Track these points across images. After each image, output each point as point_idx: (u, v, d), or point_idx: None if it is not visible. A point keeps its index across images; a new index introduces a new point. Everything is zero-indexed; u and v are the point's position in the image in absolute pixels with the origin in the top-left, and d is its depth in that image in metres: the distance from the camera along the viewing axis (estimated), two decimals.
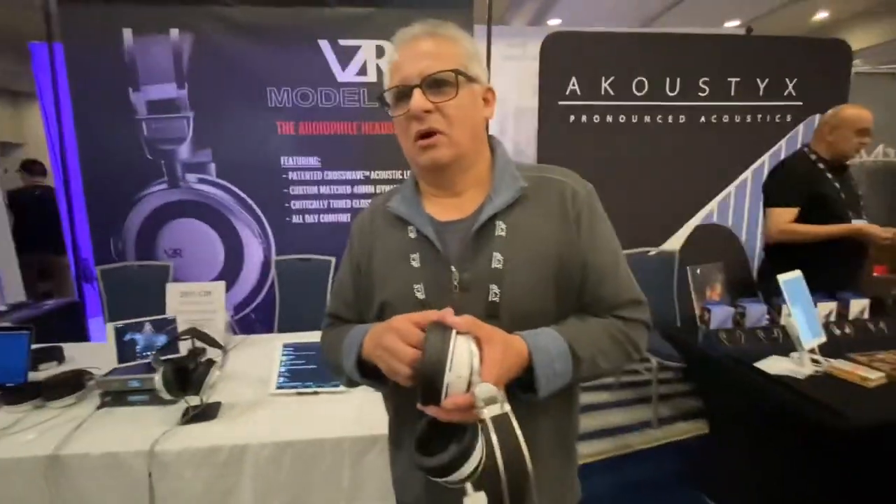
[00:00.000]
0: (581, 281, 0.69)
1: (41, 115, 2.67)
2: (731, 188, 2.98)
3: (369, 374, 0.68)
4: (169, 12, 2.40)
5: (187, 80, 2.47)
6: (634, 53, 2.75)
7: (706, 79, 2.83)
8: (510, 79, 2.95)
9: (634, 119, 2.81)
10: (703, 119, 2.87)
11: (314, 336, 1.76)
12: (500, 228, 0.67)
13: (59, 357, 1.58)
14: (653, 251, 2.71)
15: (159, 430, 1.13)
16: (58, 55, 2.47)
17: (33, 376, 1.43)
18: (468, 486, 0.54)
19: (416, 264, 0.69)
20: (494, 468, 0.49)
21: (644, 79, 2.78)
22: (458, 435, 0.55)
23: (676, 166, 2.88)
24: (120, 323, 1.36)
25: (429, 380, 0.54)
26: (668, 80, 2.80)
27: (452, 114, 0.66)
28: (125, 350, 1.35)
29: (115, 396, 1.25)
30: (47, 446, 1.08)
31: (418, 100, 0.65)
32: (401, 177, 2.63)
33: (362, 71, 2.52)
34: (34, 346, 1.57)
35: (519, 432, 0.50)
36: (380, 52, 2.51)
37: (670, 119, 2.85)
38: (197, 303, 1.62)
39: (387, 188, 2.64)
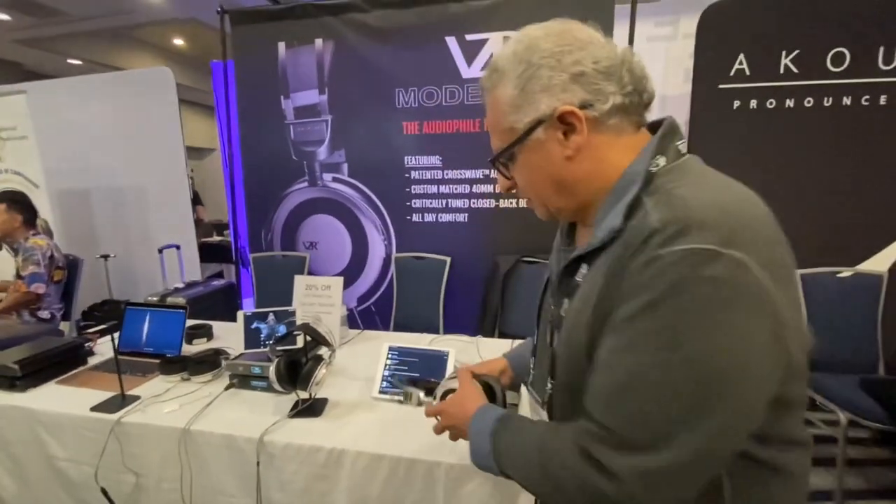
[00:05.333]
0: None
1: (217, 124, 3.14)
2: None
3: None
4: (314, 24, 2.60)
5: (327, 85, 2.66)
6: (831, 18, 2.16)
7: None
8: (656, 63, 2.57)
9: (827, 102, 2.20)
10: None
11: (419, 340, 1.72)
12: (581, 273, 0.56)
13: (208, 334, 1.80)
14: (846, 272, 2.10)
15: (270, 419, 1.17)
16: (230, 71, 2.86)
17: (188, 349, 1.64)
18: None
19: (548, 277, 0.71)
20: None
21: (844, 50, 2.16)
22: None
23: (887, 162, 2.19)
24: (249, 311, 1.47)
25: None
26: (882, 49, 2.14)
27: (523, 186, 0.62)
28: (251, 337, 1.46)
29: (241, 379, 1.35)
30: (183, 419, 1.19)
31: (500, 182, 0.66)
32: None
33: (487, 65, 2.42)
34: (192, 322, 1.81)
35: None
36: None
37: (883, 100, 2.17)
38: (318, 295, 1.69)
39: None
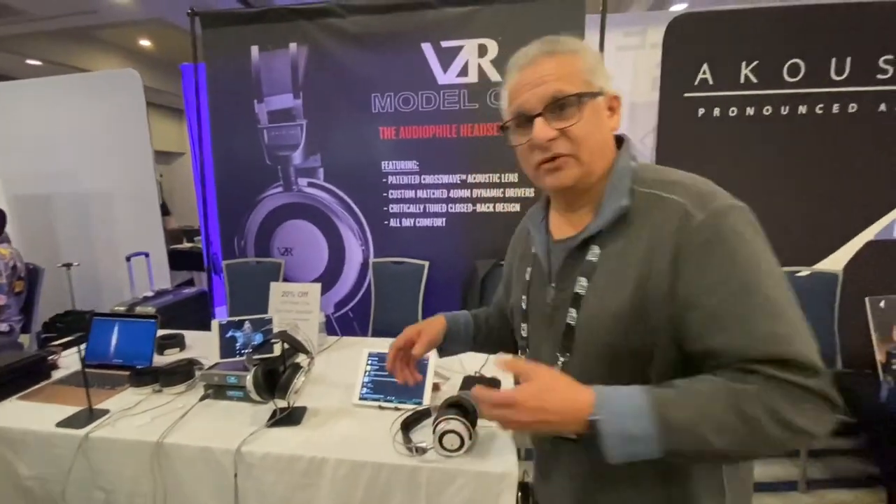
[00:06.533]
0: (685, 326, 0.57)
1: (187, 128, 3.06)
2: None
3: None
4: (289, 28, 2.58)
5: (302, 90, 2.64)
6: (787, 31, 2.28)
7: (889, 57, 2.24)
8: (625, 71, 2.65)
9: (784, 110, 2.32)
10: (882, 107, 2.27)
11: None
12: (594, 252, 0.65)
13: (181, 344, 1.75)
14: (804, 271, 2.21)
15: (248, 429, 1.15)
16: (201, 74, 2.80)
17: (159, 360, 1.59)
18: None
19: (527, 277, 0.76)
20: None
21: (799, 61, 2.29)
22: None
23: (841, 166, 2.32)
24: (224, 320, 1.44)
25: None
26: (833, 60, 2.27)
27: (578, 135, 0.62)
28: (226, 346, 1.43)
29: (216, 390, 1.32)
30: (156, 432, 1.16)
31: (541, 129, 0.62)
32: (497, 180, 2.50)
33: (463, 72, 2.45)
34: (163, 332, 1.76)
35: None
36: (482, 50, 2.41)
37: (835, 108, 2.30)
38: (295, 302, 1.68)
39: (483, 192, 2.57)
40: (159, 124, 7.10)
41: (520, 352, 0.79)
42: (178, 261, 4.30)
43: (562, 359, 0.67)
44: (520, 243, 0.84)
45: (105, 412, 1.27)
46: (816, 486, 1.93)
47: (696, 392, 0.53)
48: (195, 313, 2.69)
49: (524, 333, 0.76)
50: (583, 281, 0.64)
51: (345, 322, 2.83)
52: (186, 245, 4.61)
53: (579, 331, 0.64)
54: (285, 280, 2.75)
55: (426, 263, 2.51)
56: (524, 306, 0.75)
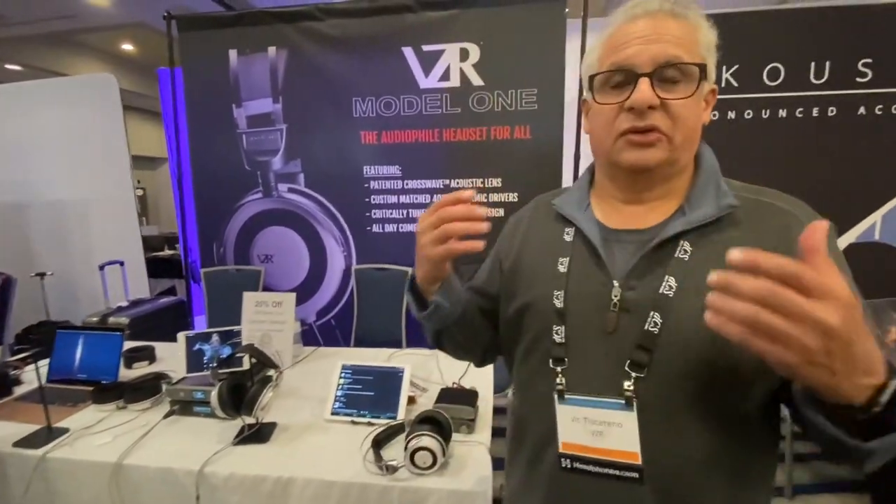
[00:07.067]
0: None
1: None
2: None
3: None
4: (267, 31, 2.53)
5: (282, 94, 2.59)
6: (767, 35, 2.29)
7: (868, 60, 2.26)
8: None
9: (765, 114, 2.33)
10: (862, 110, 2.29)
11: (376, 357, 1.68)
12: (684, 250, 0.56)
13: (150, 357, 1.69)
14: None
15: (213, 448, 1.10)
16: (178, 78, 2.74)
17: (127, 374, 1.53)
18: None
19: (561, 269, 0.63)
20: None
21: (779, 65, 2.29)
22: None
23: (822, 169, 2.33)
24: (190, 333, 1.39)
25: None
26: (813, 64, 2.28)
27: (681, 114, 0.56)
28: (193, 360, 1.37)
29: (182, 405, 1.27)
30: (116, 452, 1.10)
31: (645, 92, 0.54)
32: (481, 185, 2.47)
33: (445, 76, 2.42)
34: (132, 345, 1.70)
35: None
36: (464, 54, 2.39)
37: (815, 112, 2.31)
38: (269, 312, 1.63)
39: None
40: (142, 129, 6.99)
41: (551, 363, 0.61)
42: (159, 268, 4.21)
43: (634, 375, 0.56)
44: (535, 231, 0.71)
45: (65, 431, 1.21)
46: (802, 491, 1.91)
47: None
48: (173, 323, 2.62)
49: (558, 339, 0.61)
50: (671, 280, 0.56)
51: (327, 330, 2.77)
52: (167, 252, 4.51)
53: (664, 341, 0.54)
54: (266, 288, 2.69)
55: (409, 270, 2.47)
56: (559, 305, 0.61)
